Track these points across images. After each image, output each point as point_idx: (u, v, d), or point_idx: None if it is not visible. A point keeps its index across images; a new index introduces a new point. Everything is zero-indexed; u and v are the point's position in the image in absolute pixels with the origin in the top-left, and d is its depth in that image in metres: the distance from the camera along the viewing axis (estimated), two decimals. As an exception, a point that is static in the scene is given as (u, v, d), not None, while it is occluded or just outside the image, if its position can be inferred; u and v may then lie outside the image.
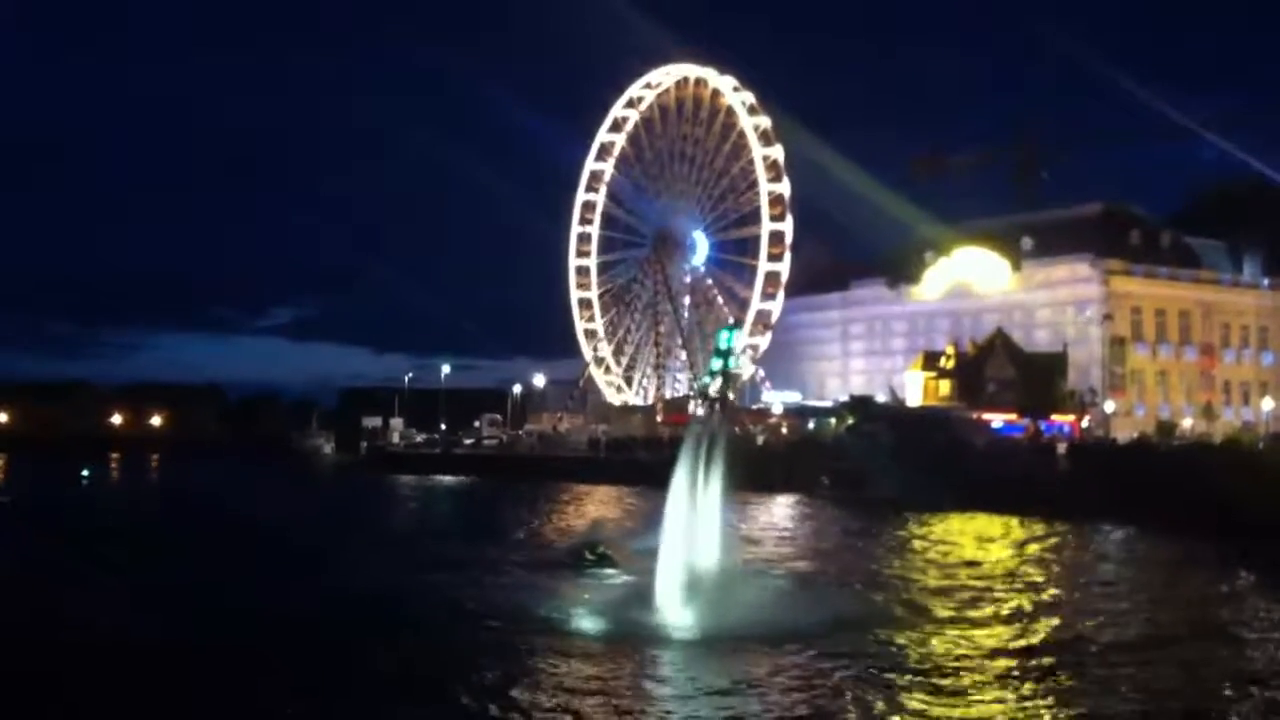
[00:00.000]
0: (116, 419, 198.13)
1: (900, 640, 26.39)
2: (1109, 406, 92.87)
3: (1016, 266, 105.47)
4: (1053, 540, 51.97)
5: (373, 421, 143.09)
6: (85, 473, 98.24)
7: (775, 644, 25.07)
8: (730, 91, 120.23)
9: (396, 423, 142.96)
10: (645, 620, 26.49)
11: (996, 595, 33.93)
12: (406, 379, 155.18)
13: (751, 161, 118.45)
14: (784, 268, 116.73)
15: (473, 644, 25.33)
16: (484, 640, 25.71)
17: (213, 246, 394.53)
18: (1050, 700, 21.19)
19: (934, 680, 22.45)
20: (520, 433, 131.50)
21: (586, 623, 27.13)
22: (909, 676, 22.74)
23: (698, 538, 28.12)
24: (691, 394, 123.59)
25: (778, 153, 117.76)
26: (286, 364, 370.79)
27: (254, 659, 23.87)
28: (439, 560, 38.93)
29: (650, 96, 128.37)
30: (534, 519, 60.78)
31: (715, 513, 28.43)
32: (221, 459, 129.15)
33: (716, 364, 28.38)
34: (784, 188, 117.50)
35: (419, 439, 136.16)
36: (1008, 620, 29.62)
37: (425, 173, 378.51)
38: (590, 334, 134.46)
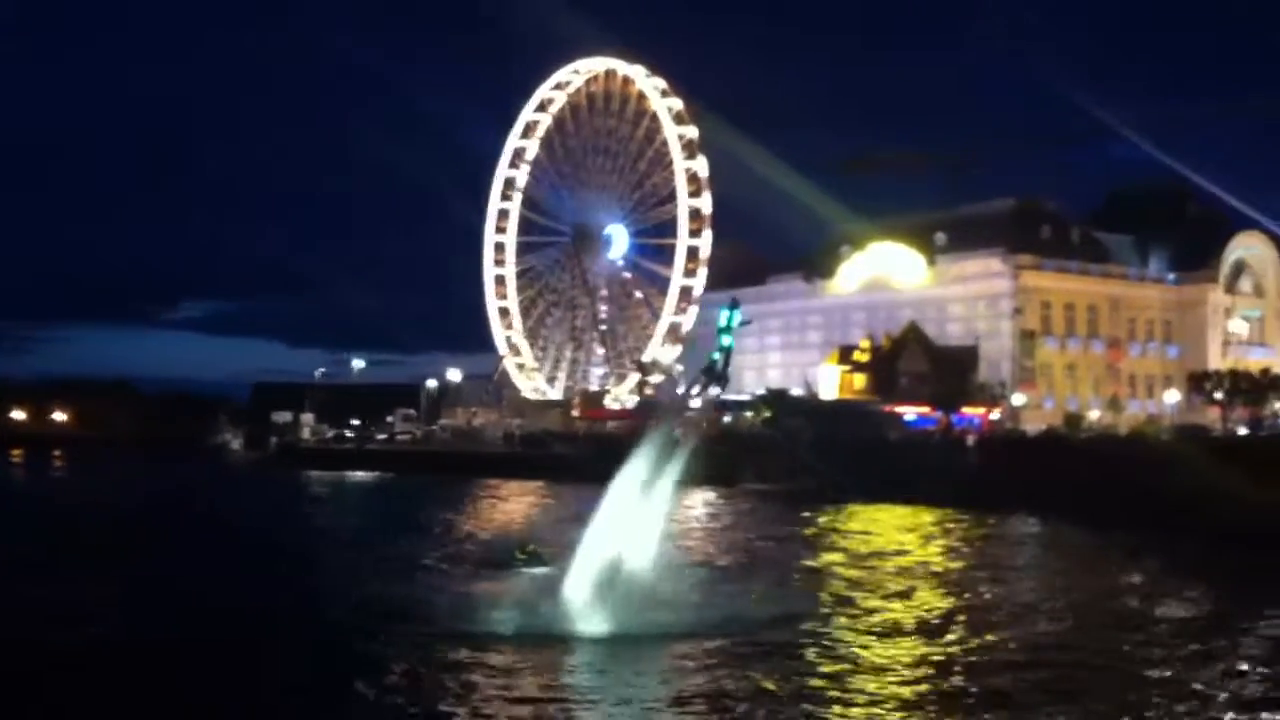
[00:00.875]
0: (19, 415, 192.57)
1: (815, 633, 26.36)
2: (1018, 399, 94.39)
3: (931, 261, 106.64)
4: (962, 531, 52.78)
5: (283, 417, 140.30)
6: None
7: (693, 640, 24.87)
8: (658, 96, 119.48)
9: (307, 418, 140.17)
10: (565, 620, 25.83)
11: (909, 587, 34.26)
12: (318, 373, 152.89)
13: (673, 173, 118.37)
14: (698, 283, 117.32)
15: (385, 646, 24.57)
16: (397, 641, 24.96)
17: (123, 239, 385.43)
18: (971, 695, 21.17)
19: (849, 675, 22.38)
20: (434, 428, 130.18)
21: (504, 623, 26.31)
22: (822, 671, 22.64)
23: (632, 533, 27.41)
24: (605, 387, 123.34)
25: (700, 166, 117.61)
26: (199, 359, 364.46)
27: (153, 665, 23.13)
28: (354, 562, 38.04)
29: (578, 81, 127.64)
30: (451, 515, 59.84)
31: (664, 507, 28.01)
32: (130, 456, 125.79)
33: (726, 340, 28.10)
34: (704, 203, 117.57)
35: (329, 434, 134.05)
36: (922, 612, 29.74)
37: (342, 165, 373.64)
38: (504, 312, 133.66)
